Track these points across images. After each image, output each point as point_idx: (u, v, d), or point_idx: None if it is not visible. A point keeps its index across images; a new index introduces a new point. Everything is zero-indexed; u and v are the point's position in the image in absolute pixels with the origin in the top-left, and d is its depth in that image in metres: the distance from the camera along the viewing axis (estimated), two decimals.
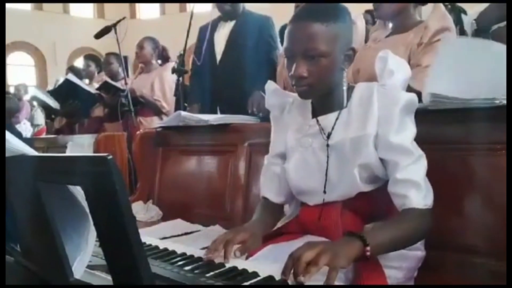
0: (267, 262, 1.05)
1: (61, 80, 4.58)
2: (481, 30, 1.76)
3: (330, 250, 0.90)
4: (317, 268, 0.87)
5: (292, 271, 0.88)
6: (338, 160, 1.18)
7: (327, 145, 1.19)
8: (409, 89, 1.62)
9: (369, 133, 1.13)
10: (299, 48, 1.13)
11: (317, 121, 1.22)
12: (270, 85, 1.38)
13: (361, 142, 1.13)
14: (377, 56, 1.20)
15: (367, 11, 3.54)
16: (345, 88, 1.19)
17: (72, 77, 4.14)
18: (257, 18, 2.82)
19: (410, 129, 1.13)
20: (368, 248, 0.95)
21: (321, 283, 0.87)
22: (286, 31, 1.16)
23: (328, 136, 1.19)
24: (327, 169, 1.19)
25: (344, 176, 1.16)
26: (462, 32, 2.18)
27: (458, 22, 2.21)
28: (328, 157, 1.19)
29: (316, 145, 1.21)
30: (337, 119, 1.19)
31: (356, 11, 2.57)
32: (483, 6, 2.08)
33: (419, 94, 1.32)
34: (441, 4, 1.95)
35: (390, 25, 2.08)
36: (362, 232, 0.98)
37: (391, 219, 1.09)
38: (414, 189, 1.06)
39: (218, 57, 2.77)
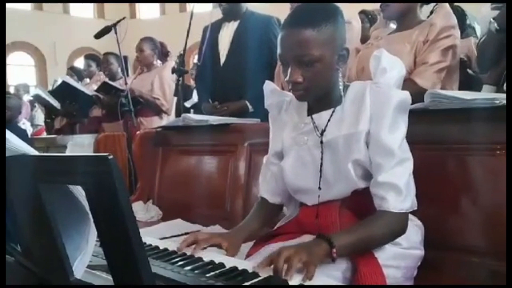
0: None
1: (59, 80, 4.58)
2: (503, 30, 1.77)
3: (305, 249, 0.97)
4: (298, 259, 0.92)
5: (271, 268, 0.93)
6: (332, 157, 1.18)
7: (321, 142, 1.19)
8: (415, 86, 1.64)
9: (361, 130, 1.13)
10: (292, 55, 1.12)
11: (312, 119, 1.23)
12: (268, 85, 1.38)
13: (353, 139, 1.14)
14: (372, 55, 1.20)
15: (362, 11, 3.55)
16: (341, 87, 1.19)
17: (68, 79, 4.13)
18: (260, 18, 2.80)
19: (401, 130, 1.13)
20: (334, 250, 1.01)
21: None
22: (279, 38, 1.15)
23: (322, 133, 1.20)
24: (322, 165, 1.19)
25: (339, 173, 1.16)
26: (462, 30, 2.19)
27: (459, 20, 2.22)
28: (322, 153, 1.19)
29: (311, 143, 1.22)
30: (331, 116, 1.20)
31: (352, 10, 2.57)
32: (485, 5, 2.08)
33: (423, 92, 1.33)
34: (446, 3, 1.96)
35: (391, 24, 2.08)
36: (329, 235, 1.04)
37: (364, 221, 1.11)
38: (394, 193, 1.08)
39: (223, 58, 2.76)
